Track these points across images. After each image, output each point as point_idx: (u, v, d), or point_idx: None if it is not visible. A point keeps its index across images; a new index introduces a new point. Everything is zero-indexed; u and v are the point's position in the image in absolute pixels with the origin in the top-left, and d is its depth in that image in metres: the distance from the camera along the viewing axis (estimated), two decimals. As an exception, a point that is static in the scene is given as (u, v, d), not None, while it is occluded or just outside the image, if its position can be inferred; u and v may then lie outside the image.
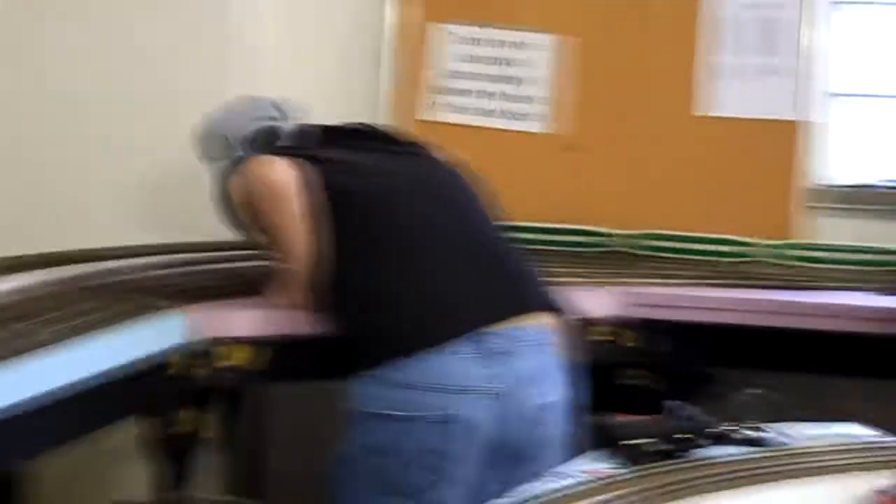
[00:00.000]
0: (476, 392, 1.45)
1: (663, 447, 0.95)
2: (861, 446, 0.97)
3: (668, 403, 1.06)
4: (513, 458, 1.45)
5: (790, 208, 2.17)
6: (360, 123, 1.76)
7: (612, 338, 1.82)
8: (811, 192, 2.21)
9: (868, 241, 2.10)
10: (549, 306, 1.57)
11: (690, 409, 1.03)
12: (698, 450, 0.97)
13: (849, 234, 2.13)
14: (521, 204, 2.17)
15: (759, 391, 1.04)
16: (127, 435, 1.62)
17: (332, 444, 1.52)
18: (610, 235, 2.19)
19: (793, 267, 2.08)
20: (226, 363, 1.52)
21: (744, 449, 0.96)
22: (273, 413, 2.16)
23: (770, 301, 1.89)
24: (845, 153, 2.27)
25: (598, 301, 1.85)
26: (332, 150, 1.63)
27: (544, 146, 2.26)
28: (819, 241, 2.13)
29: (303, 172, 1.52)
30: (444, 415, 1.43)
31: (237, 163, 1.63)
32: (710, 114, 2.21)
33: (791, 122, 2.19)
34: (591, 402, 1.54)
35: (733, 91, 2.21)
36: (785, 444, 0.97)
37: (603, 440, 1.05)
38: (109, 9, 2.11)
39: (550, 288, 1.61)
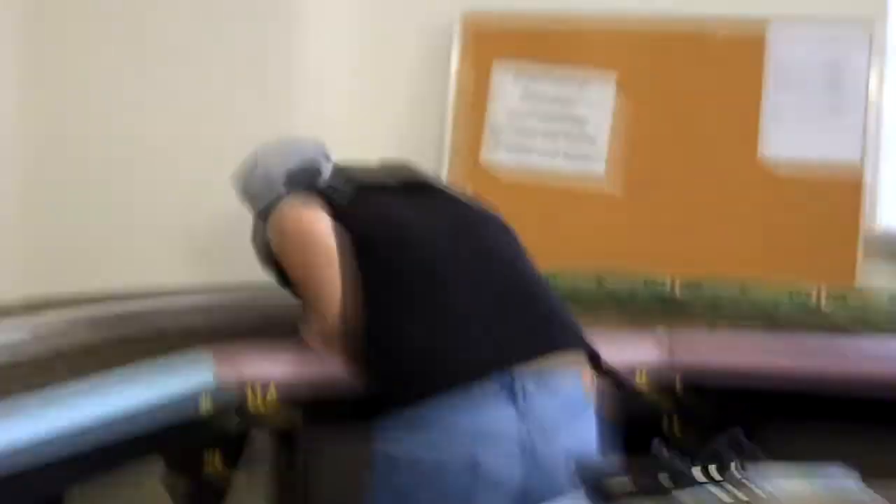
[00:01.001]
0: (503, 437, 1.42)
1: (630, 490, 0.94)
2: (835, 496, 0.92)
3: (655, 445, 1.04)
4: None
5: (855, 255, 2.08)
6: (393, 166, 1.77)
7: (654, 385, 1.78)
8: (878, 239, 2.12)
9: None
10: (583, 348, 1.54)
11: (674, 452, 1.01)
12: (671, 493, 0.95)
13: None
14: (580, 249, 2.19)
15: (735, 437, 1.00)
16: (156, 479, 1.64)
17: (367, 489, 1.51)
18: (668, 283, 2.15)
19: (856, 315, 1.99)
20: (256, 407, 1.54)
21: (716, 494, 0.93)
22: (311, 456, 2.16)
23: (828, 348, 1.84)
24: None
25: (642, 347, 1.82)
26: (366, 194, 1.64)
27: (606, 188, 2.26)
28: (884, 289, 2.04)
29: (334, 217, 1.55)
30: (469, 462, 1.40)
31: (275, 203, 1.65)
32: (773, 157, 2.16)
33: (858, 167, 2.11)
34: (626, 449, 1.47)
35: (798, 135, 2.16)
36: (754, 490, 0.94)
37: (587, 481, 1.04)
38: (171, 52, 2.22)
39: (587, 331, 1.58)
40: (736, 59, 2.22)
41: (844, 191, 2.11)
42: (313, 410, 1.61)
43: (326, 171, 1.72)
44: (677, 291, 2.13)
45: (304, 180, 1.69)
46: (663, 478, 0.97)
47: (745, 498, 0.95)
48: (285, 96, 2.22)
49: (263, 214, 1.68)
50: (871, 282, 2.06)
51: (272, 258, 1.64)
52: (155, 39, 2.22)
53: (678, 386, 1.76)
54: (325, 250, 1.53)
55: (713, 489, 0.96)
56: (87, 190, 2.22)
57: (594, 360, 1.55)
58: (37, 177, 2.20)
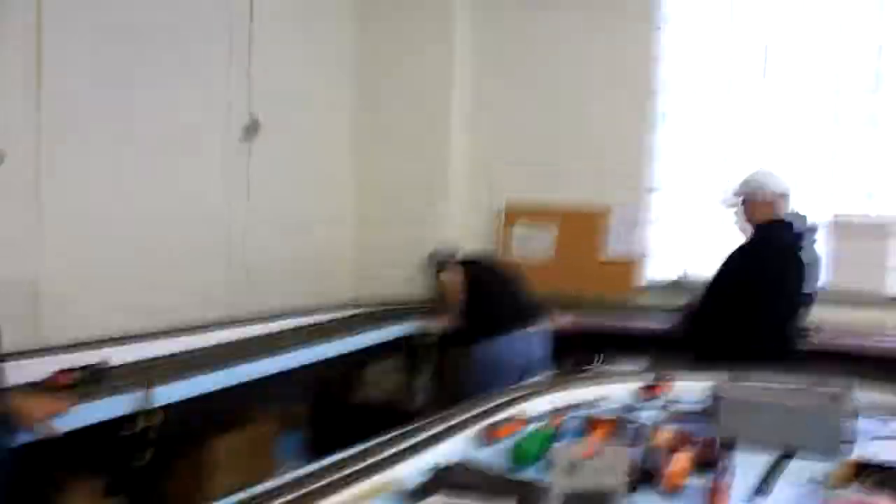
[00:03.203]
0: (521, 352, 4.17)
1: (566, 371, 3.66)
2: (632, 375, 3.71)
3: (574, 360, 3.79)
4: (528, 374, 4.06)
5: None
6: (484, 254, 4.61)
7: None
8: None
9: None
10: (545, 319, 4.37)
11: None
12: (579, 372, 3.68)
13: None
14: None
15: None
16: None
17: (466, 365, 4.26)
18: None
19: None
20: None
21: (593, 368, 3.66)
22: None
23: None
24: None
25: (560, 318, 4.64)
26: (470, 264, 4.42)
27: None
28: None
29: (463, 272, 4.31)
30: (507, 360, 4.13)
31: (439, 269, 4.41)
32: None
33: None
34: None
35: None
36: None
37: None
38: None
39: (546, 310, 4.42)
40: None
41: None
42: (448, 340, 4.35)
43: (453, 256, 4.48)
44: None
45: (443, 262, 4.44)
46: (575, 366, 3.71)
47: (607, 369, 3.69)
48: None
49: (435, 273, 4.44)
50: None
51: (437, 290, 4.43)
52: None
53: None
54: (457, 288, 4.29)
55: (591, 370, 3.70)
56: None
57: (549, 324, 4.36)
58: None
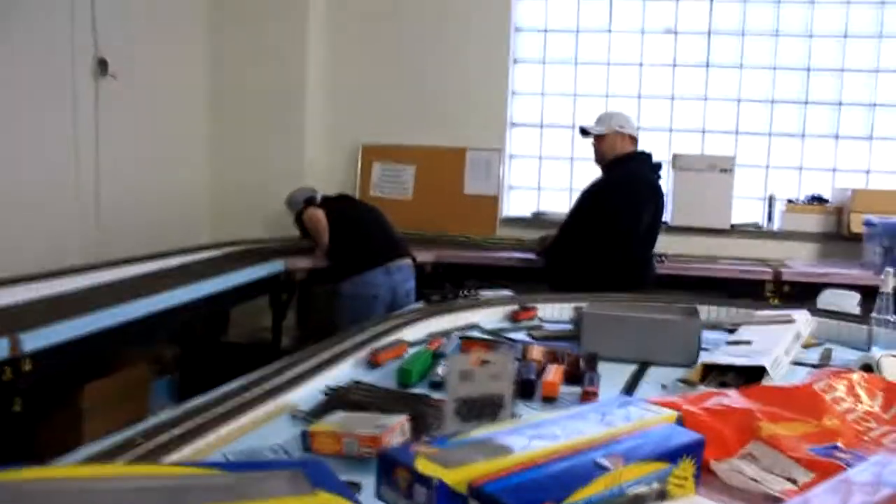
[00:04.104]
0: (385, 286, 4.31)
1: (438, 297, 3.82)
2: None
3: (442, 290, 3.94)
4: (395, 308, 4.25)
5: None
6: (343, 193, 4.60)
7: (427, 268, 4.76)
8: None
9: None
10: (409, 253, 4.48)
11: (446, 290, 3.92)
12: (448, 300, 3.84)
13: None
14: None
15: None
16: None
17: (333, 302, 4.34)
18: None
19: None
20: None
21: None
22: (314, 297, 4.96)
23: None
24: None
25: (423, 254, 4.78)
26: (332, 203, 4.45)
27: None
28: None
29: (324, 211, 4.34)
30: (373, 294, 4.29)
31: (303, 208, 4.40)
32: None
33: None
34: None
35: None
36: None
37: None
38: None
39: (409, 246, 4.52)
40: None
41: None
42: (313, 278, 4.41)
43: (316, 197, 4.48)
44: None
45: (310, 201, 4.45)
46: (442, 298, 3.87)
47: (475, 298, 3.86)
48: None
49: (299, 212, 4.43)
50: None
51: (303, 229, 4.42)
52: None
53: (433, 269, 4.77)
54: (322, 226, 4.32)
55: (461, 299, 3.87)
56: None
57: (413, 258, 4.49)
58: None
